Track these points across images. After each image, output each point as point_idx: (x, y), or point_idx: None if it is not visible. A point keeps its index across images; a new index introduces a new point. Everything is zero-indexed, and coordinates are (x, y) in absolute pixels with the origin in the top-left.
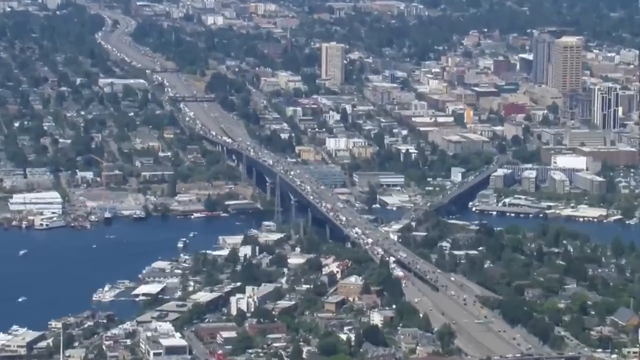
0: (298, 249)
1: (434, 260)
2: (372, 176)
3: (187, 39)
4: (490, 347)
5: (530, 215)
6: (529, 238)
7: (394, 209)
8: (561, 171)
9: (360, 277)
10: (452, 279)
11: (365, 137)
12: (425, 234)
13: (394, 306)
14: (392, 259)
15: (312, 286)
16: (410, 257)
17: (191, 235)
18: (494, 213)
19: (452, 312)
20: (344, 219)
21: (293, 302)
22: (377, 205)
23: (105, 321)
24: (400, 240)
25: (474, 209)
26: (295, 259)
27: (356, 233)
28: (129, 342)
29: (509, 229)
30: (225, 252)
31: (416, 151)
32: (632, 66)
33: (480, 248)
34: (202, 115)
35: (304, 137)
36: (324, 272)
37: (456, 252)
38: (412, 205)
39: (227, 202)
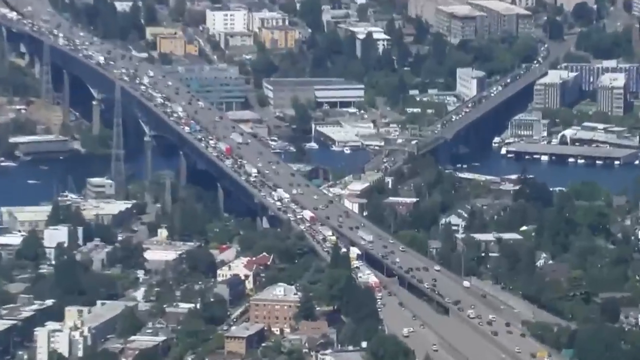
0: (163, 232)
1: (436, 251)
2: (300, 85)
3: None
4: None
5: (618, 163)
6: (620, 208)
7: (347, 150)
8: None
9: (295, 287)
10: (468, 285)
11: (286, 8)
12: (413, 200)
13: (362, 345)
14: (354, 250)
15: (196, 306)
16: (389, 247)
17: None
18: (544, 158)
19: (478, 356)
20: (252, 171)
21: (159, 338)
22: (314, 145)
23: None
24: (366, 213)
25: (503, 150)
26: (159, 252)
27: (279, 200)
28: None
29: (580, 190)
30: (14, 240)
31: (388, 36)
32: None
33: (525, 228)
34: None
35: (161, 9)
36: (218, 277)
37: (477, 236)
38: (383, 143)
39: (13, 139)
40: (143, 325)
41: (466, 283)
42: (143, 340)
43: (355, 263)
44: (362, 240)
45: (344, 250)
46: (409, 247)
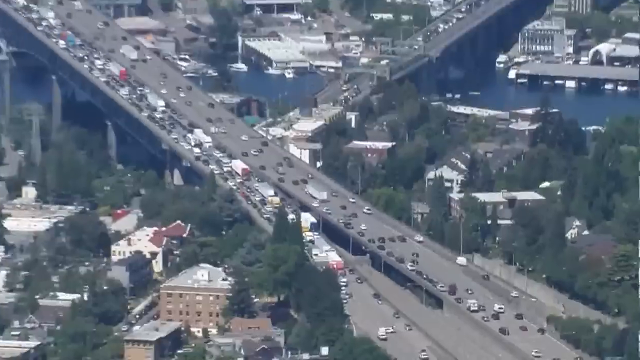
0: (30, 191)
1: (422, 218)
2: None
3: None
4: None
5: None
6: None
7: (290, 74)
8: None
9: (223, 269)
10: (463, 262)
11: None
12: (387, 144)
13: (322, 351)
14: (306, 217)
15: (82, 297)
16: (349, 207)
17: None
18: (570, 84)
19: None
20: (158, 104)
21: (30, 344)
22: (241, 67)
23: None
24: (320, 164)
25: (511, 73)
26: (25, 221)
27: (197, 146)
28: None
29: (623, 129)
30: None
31: None
32: None
33: (547, 184)
34: None
35: None
36: (113, 256)
37: (481, 197)
38: (341, 64)
39: None
40: (6, 326)
41: (461, 259)
42: (6, 346)
43: (308, 235)
44: (313, 199)
45: (291, 216)
46: (384, 213)
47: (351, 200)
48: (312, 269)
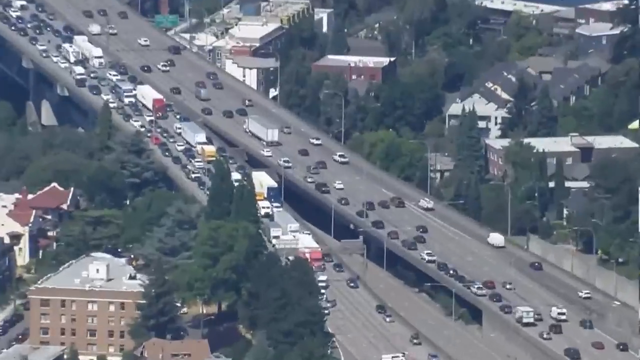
0: None
1: (442, 179)
2: None
3: None
4: None
5: None
6: None
7: None
8: None
9: (130, 261)
10: (498, 242)
11: None
12: (384, 61)
13: None
14: (261, 178)
15: None
16: (313, 152)
17: None
18: None
19: None
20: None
21: None
22: None
23: None
24: (277, 91)
25: None
26: None
27: (81, 62)
28: None
29: None
30: None
31: None
32: None
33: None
34: None
35: None
36: None
37: (532, 142)
38: None
39: None
40: None
41: (496, 238)
42: None
43: (263, 207)
44: (262, 143)
45: (236, 176)
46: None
47: (314, 141)
48: (272, 260)
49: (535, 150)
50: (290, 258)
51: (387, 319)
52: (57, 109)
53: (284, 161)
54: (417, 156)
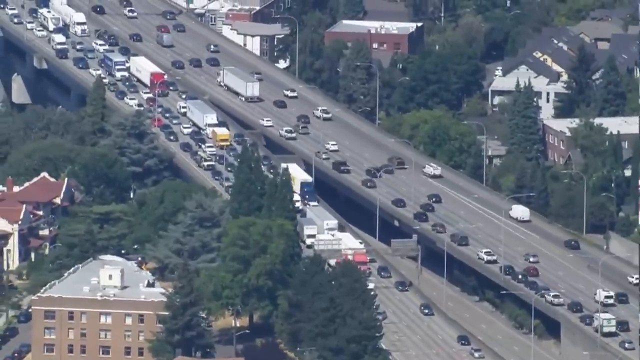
0: None
1: (491, 168)
2: None
3: None
4: None
5: None
6: None
7: None
8: None
9: (140, 262)
10: (522, 215)
11: None
12: (409, 25)
13: None
14: (294, 168)
15: None
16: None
17: None
18: None
19: None
20: None
21: None
22: None
23: None
24: (285, 64)
25: None
26: None
27: (62, 33)
28: None
29: None
30: None
31: None
32: None
33: None
34: None
35: None
36: None
37: (604, 123)
38: None
39: None
40: None
41: (520, 210)
42: None
43: (299, 203)
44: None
45: (258, 158)
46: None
47: (288, 92)
48: (317, 264)
49: (608, 133)
50: (331, 262)
51: (476, 354)
52: (31, 85)
53: (286, 132)
54: (467, 140)
